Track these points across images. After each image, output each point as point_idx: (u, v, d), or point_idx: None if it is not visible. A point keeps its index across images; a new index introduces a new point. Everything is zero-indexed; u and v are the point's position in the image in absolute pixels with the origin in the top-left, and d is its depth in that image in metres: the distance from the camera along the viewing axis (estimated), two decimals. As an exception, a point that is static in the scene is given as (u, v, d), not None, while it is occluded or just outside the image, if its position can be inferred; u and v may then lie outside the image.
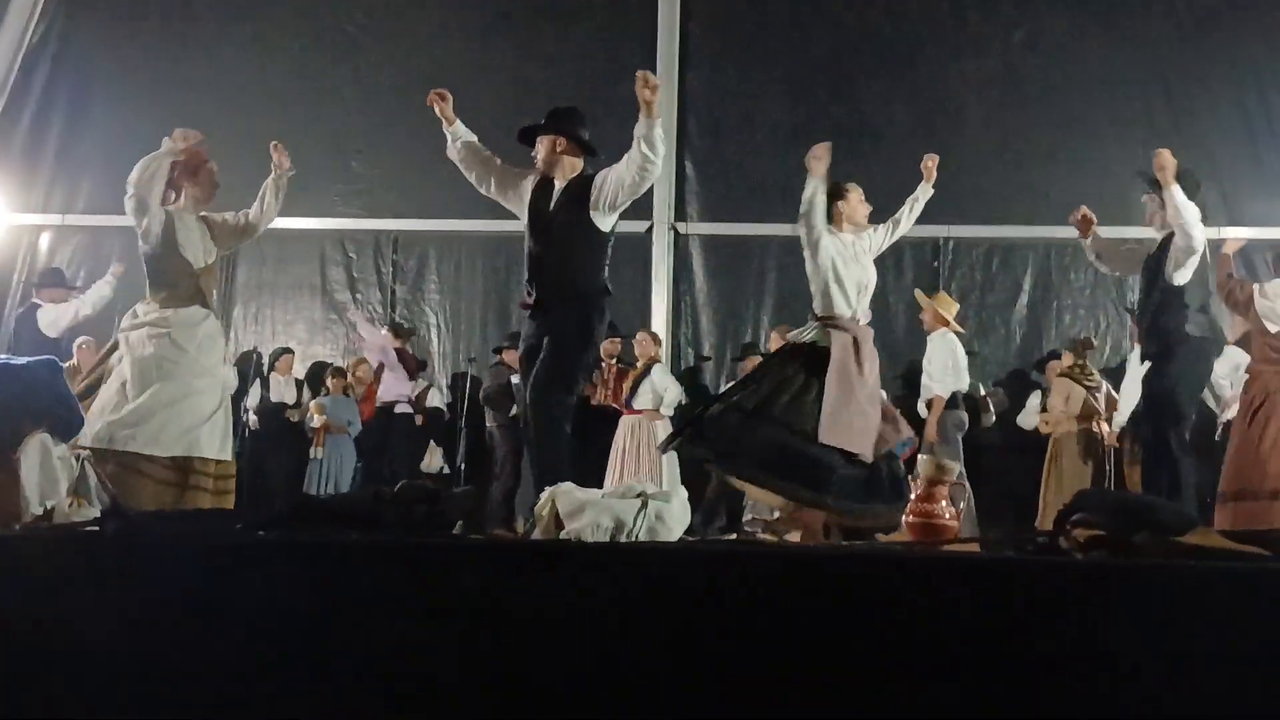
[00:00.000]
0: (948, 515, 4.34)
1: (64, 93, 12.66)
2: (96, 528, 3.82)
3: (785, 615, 3.06)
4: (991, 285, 11.96)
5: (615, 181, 5.91)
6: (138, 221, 6.49)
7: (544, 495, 4.14)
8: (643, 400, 10.75)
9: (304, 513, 3.63)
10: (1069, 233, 10.62)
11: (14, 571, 3.33)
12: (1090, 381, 9.98)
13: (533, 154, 6.21)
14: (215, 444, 6.41)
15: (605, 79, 12.35)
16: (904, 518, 4.44)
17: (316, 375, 11.85)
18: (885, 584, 3.10)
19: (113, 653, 3.16)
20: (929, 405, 9.68)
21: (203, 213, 6.70)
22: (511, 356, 10.67)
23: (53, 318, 10.30)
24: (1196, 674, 2.86)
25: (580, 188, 6.05)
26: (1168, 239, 6.91)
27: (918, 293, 10.24)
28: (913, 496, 4.46)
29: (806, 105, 12.02)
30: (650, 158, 5.75)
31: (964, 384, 9.88)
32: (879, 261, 6.66)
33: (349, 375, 11.49)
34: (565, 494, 4.10)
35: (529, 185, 6.21)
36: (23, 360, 5.04)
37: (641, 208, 12.04)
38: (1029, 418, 10.61)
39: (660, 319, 11.78)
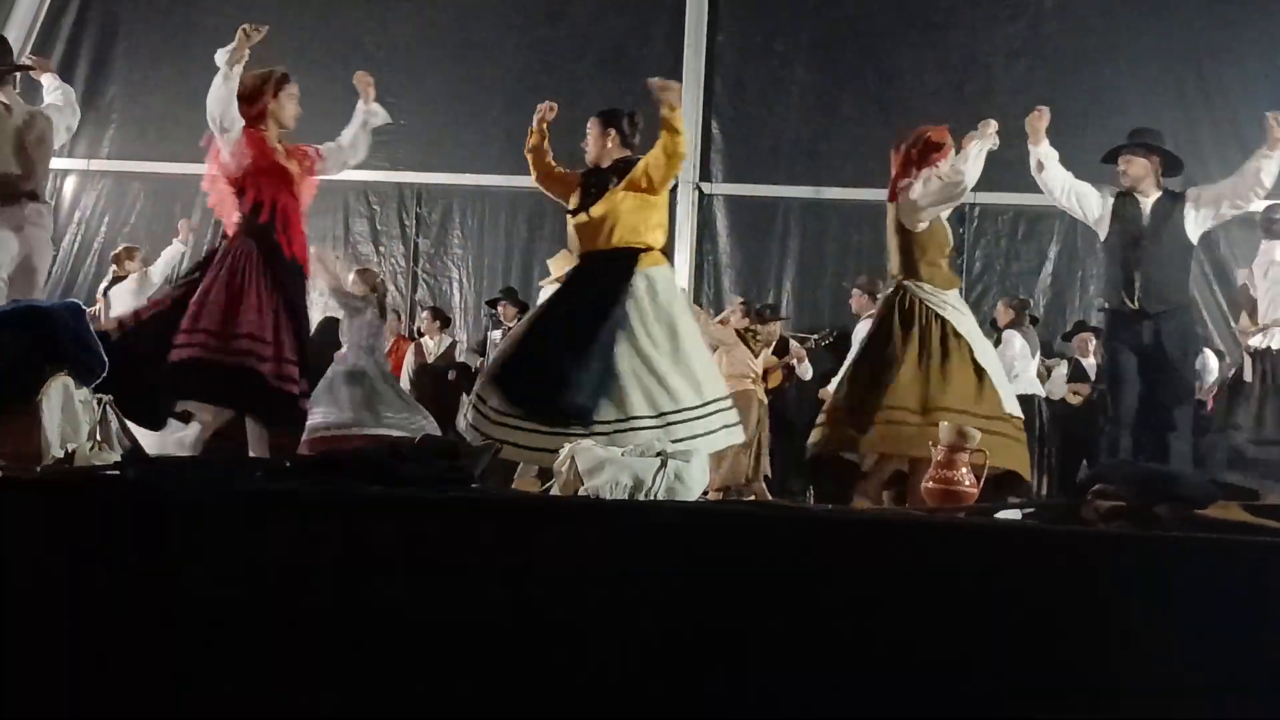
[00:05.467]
0: (967, 482, 4.33)
1: (89, 39, 12.67)
2: (117, 472, 3.84)
3: (801, 578, 3.06)
4: (1017, 254, 11.92)
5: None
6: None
7: (563, 451, 4.14)
8: None
9: (325, 464, 3.63)
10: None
11: (35, 514, 3.34)
12: (755, 345, 10.11)
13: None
14: None
15: (632, 39, 12.34)
16: (924, 484, 4.42)
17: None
18: (905, 549, 3.10)
19: (130, 597, 3.17)
20: None
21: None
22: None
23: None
24: (1213, 648, 2.85)
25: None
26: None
27: None
28: (933, 462, 4.44)
29: (834, 69, 11.92)
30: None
31: None
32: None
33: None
34: (585, 451, 4.09)
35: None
36: (46, 303, 5.06)
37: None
38: (1057, 387, 10.53)
39: (683, 279, 11.75)
